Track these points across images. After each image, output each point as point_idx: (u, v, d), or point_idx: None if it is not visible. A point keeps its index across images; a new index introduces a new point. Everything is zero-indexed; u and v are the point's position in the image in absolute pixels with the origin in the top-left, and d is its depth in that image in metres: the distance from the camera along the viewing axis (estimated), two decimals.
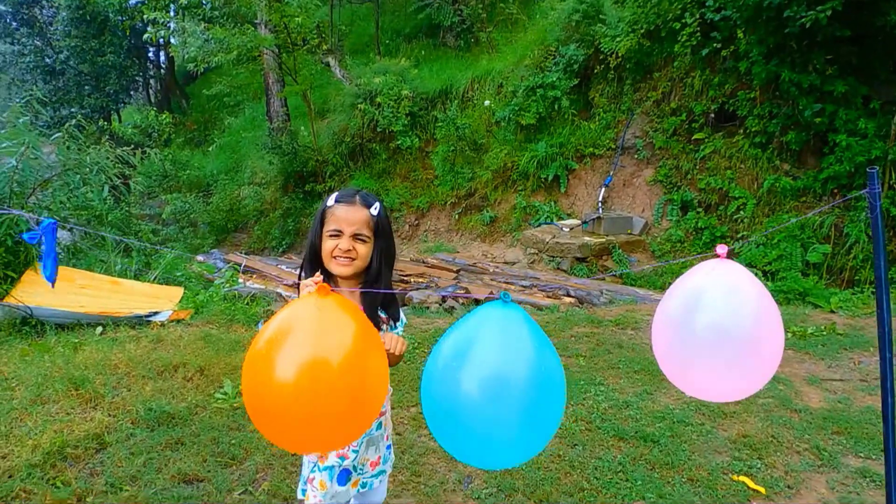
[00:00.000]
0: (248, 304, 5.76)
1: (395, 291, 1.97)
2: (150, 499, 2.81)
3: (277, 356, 1.34)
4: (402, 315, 2.07)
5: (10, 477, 2.92)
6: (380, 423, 2.04)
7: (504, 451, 1.44)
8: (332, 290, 1.43)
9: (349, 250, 1.82)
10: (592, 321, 5.49)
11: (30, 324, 5.10)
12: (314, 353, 1.35)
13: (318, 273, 1.79)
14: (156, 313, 5.55)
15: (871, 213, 1.53)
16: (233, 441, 3.34)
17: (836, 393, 4.00)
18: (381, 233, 1.87)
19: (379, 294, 1.89)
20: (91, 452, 3.17)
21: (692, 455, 3.24)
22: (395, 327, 2.01)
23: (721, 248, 1.51)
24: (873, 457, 3.20)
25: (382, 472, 2.10)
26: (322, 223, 1.86)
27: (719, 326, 1.49)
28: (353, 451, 1.97)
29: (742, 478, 3.02)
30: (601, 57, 9.92)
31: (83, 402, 3.62)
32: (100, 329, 5.04)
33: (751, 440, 3.37)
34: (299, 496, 2.05)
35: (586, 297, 6.51)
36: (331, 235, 1.83)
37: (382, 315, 1.96)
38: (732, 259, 1.60)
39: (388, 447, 2.12)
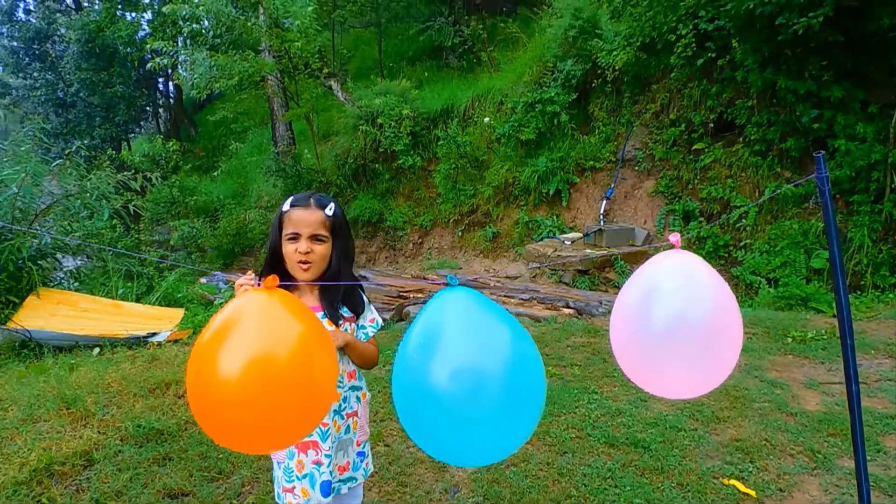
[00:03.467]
0: None
1: (343, 283, 1.93)
2: None
3: (220, 351, 1.33)
4: (375, 315, 2.08)
5: None
6: (349, 427, 2.03)
7: (481, 444, 1.38)
8: (281, 285, 1.44)
9: (308, 252, 1.85)
10: (589, 331, 5.45)
11: (29, 347, 5.16)
12: (258, 346, 1.34)
13: (250, 272, 1.79)
14: (154, 334, 5.59)
15: (821, 197, 1.52)
16: (220, 456, 3.33)
17: (833, 396, 3.93)
18: (338, 232, 1.91)
19: (338, 292, 1.90)
20: (78, 469, 3.18)
21: (683, 460, 3.19)
22: (363, 326, 2.02)
23: (674, 237, 1.49)
24: (869, 458, 3.12)
25: (352, 479, 2.07)
26: (280, 228, 1.89)
27: (677, 319, 1.45)
28: (326, 455, 1.96)
29: (732, 482, 2.96)
30: (599, 71, 9.96)
31: (73, 420, 3.64)
32: (97, 350, 5.08)
33: (743, 444, 3.31)
34: (278, 501, 2.04)
35: (585, 308, 6.47)
36: (289, 239, 1.87)
37: (345, 313, 1.96)
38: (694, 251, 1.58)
39: (360, 454, 2.09)
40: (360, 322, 2.02)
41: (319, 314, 1.90)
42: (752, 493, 2.88)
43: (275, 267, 1.88)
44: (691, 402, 3.89)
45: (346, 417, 2.00)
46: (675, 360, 1.54)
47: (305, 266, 1.86)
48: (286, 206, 1.89)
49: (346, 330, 1.95)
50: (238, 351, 1.33)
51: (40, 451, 3.25)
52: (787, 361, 4.61)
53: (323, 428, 1.94)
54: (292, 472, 1.96)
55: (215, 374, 1.32)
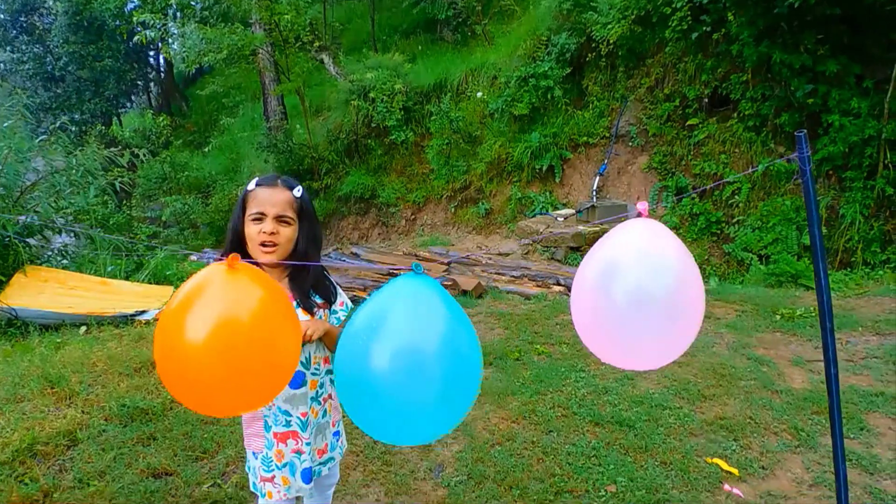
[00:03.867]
0: None
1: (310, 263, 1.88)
2: (117, 493, 2.80)
3: (186, 317, 1.32)
4: (345, 298, 2.04)
5: None
6: (325, 411, 2.01)
7: (416, 425, 1.40)
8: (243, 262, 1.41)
9: (273, 233, 1.78)
10: None
11: (15, 325, 5.12)
12: (223, 312, 1.34)
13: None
14: (142, 312, 5.56)
15: (802, 177, 1.48)
16: (205, 435, 3.32)
17: (819, 374, 3.94)
18: (305, 215, 1.84)
19: (308, 278, 1.86)
20: (61, 449, 3.17)
21: (667, 438, 3.20)
22: (335, 311, 1.98)
23: (641, 205, 1.44)
24: (851, 436, 3.14)
25: (331, 458, 2.07)
26: (244, 208, 1.82)
27: (638, 290, 1.41)
28: (307, 444, 1.94)
29: (715, 460, 2.97)
30: (593, 45, 9.83)
31: (58, 399, 3.62)
32: (83, 328, 5.04)
33: (728, 422, 3.32)
34: (253, 490, 2.02)
35: None
36: (253, 219, 1.79)
37: (318, 300, 1.93)
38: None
39: (336, 434, 2.08)
40: (333, 307, 1.98)
41: (293, 304, 1.86)
42: (735, 471, 2.89)
43: (236, 250, 1.79)
44: (678, 379, 3.90)
45: (322, 402, 1.98)
46: (636, 332, 1.50)
47: (269, 248, 1.78)
48: (251, 185, 1.82)
49: (319, 317, 1.91)
50: (204, 314, 1.33)
51: (23, 431, 3.24)
52: (774, 339, 4.61)
53: (302, 418, 1.92)
54: (271, 461, 1.94)
55: (182, 338, 1.32)
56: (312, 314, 1.89)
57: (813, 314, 5.03)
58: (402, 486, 2.90)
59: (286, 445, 1.93)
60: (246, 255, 1.79)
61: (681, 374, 4.00)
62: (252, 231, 1.79)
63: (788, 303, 5.32)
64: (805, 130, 1.59)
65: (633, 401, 3.62)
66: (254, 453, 1.97)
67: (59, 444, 3.19)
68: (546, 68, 10.06)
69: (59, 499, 2.78)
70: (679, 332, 1.45)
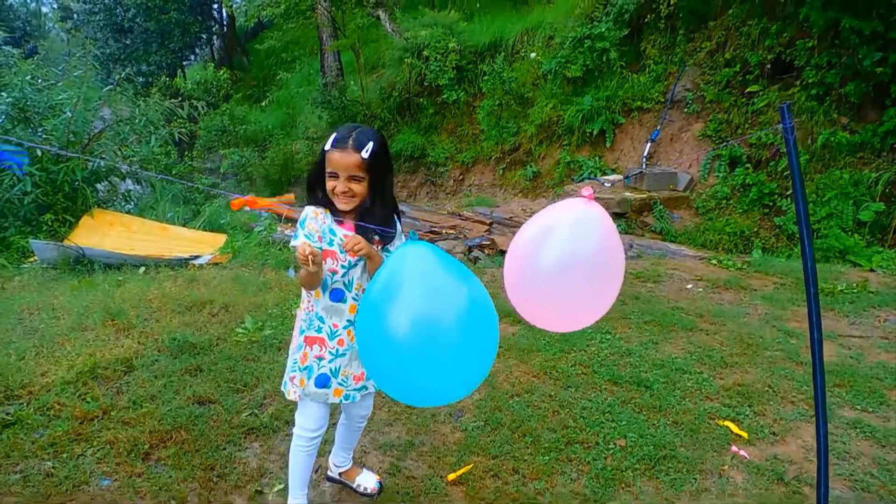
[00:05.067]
0: (280, 249, 6.03)
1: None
2: (165, 415, 3.10)
3: None
4: (400, 234, 2.21)
5: (47, 391, 3.28)
6: None
7: (434, 386, 1.56)
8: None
9: (346, 191, 2.00)
10: None
11: (82, 263, 5.53)
12: None
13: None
14: (197, 257, 5.91)
15: (787, 147, 1.52)
16: (246, 370, 3.60)
17: (850, 349, 3.92)
18: (375, 170, 2.02)
19: (374, 220, 2.05)
20: (119, 374, 3.50)
21: (682, 400, 3.28)
22: (388, 250, 2.15)
23: (586, 191, 1.54)
24: (870, 409, 3.16)
25: (364, 388, 2.27)
26: (323, 163, 2.04)
27: (561, 260, 1.53)
28: (330, 353, 2.17)
29: (727, 423, 3.05)
30: (654, 5, 9.54)
31: (117, 330, 3.97)
32: (143, 269, 5.42)
33: (746, 389, 3.37)
34: (282, 388, 2.31)
35: None
36: (330, 176, 2.02)
37: (375, 237, 2.11)
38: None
39: None
40: (386, 247, 2.16)
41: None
42: (745, 434, 2.96)
43: (322, 194, 2.06)
44: (703, 346, 3.95)
45: None
46: (558, 297, 1.63)
47: (346, 200, 2.03)
48: (328, 146, 2.02)
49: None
50: None
51: (86, 356, 3.58)
52: None
53: (333, 328, 2.15)
54: (297, 363, 2.21)
55: None
56: None
57: (855, 290, 4.94)
58: (422, 427, 3.10)
59: (311, 350, 2.18)
60: (326, 197, 2.05)
61: (707, 341, 4.04)
62: (329, 185, 2.03)
63: (831, 278, 5.23)
64: (788, 102, 1.63)
65: (653, 364, 3.70)
66: (291, 353, 2.26)
67: (118, 369, 3.52)
68: (603, 29, 9.83)
69: (115, 417, 3.09)
70: (597, 300, 1.58)
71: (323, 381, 2.19)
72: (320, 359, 2.17)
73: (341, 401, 2.25)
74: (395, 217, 2.18)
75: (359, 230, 2.05)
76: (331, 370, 2.19)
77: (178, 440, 2.92)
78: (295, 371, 2.21)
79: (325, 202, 2.06)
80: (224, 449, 2.88)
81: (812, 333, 1.72)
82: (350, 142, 1.99)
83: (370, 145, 2.00)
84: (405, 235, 1.88)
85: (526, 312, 1.68)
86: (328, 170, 2.01)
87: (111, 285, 4.82)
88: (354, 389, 2.24)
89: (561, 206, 1.60)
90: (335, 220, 2.07)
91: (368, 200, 2.05)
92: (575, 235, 1.54)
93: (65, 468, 2.70)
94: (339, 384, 2.21)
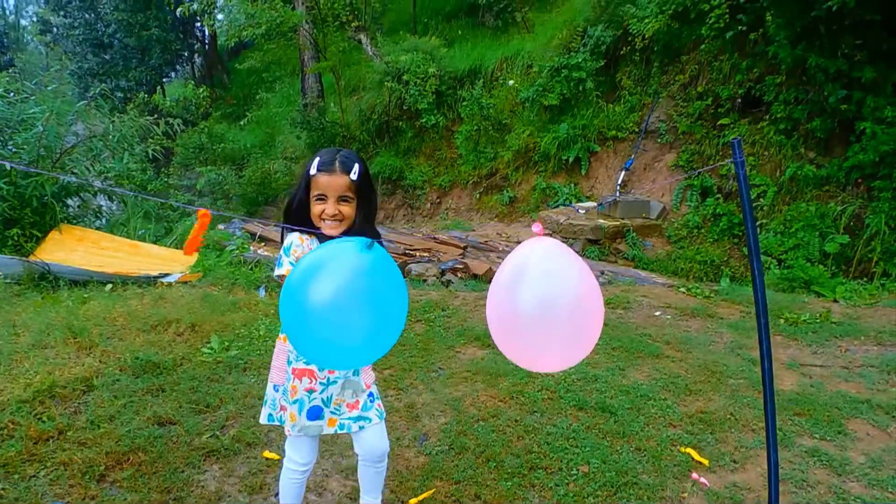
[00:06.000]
0: (251, 269, 5.99)
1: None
2: (123, 436, 3.03)
3: None
4: None
5: (1, 410, 3.19)
6: (357, 370, 2.18)
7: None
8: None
9: (335, 214, 2.01)
10: None
11: (47, 279, 5.43)
12: None
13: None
14: (166, 275, 5.83)
15: (738, 180, 1.57)
16: (210, 391, 3.54)
17: (811, 378, 3.98)
18: (362, 192, 2.04)
19: None
20: (78, 393, 3.43)
21: (646, 427, 3.30)
22: None
23: (536, 227, 1.56)
24: (828, 438, 3.20)
25: (364, 418, 2.21)
26: (307, 188, 2.04)
27: (541, 303, 1.53)
28: (321, 383, 2.13)
29: (688, 450, 3.07)
30: (629, 38, 9.77)
31: (79, 348, 3.89)
32: (109, 286, 5.33)
33: (708, 416, 3.41)
34: (263, 421, 2.24)
35: None
36: (317, 200, 2.02)
37: None
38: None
39: (371, 396, 2.23)
40: None
41: None
42: (706, 461, 2.98)
43: (302, 219, 2.04)
44: (668, 373, 3.99)
45: None
46: (541, 340, 1.62)
47: (335, 224, 2.02)
48: (313, 170, 2.01)
49: None
50: None
51: (45, 375, 3.50)
52: (774, 342, 4.63)
53: None
54: (287, 394, 2.15)
55: None
56: None
57: (818, 320, 5.04)
58: None
59: (300, 382, 2.12)
60: (308, 223, 2.04)
61: (673, 368, 4.08)
62: (317, 210, 2.02)
63: (795, 308, 5.33)
64: (739, 137, 1.68)
65: (620, 389, 3.72)
66: (275, 386, 2.19)
67: (77, 388, 3.45)
68: (580, 60, 10.05)
69: (72, 437, 3.02)
70: (582, 342, 1.59)
71: (316, 413, 2.14)
72: (311, 391, 2.12)
73: (336, 430, 2.19)
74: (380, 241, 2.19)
75: None
76: (323, 400, 2.14)
77: (136, 462, 2.86)
78: (286, 404, 2.15)
79: (307, 228, 2.03)
80: (182, 471, 2.82)
81: (763, 363, 1.76)
82: (337, 164, 2.00)
83: (356, 167, 2.02)
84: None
85: (516, 357, 1.67)
86: (315, 194, 2.00)
87: (75, 302, 4.74)
88: (349, 419, 2.18)
89: (523, 249, 1.60)
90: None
91: (356, 223, 2.04)
92: (547, 274, 1.54)
93: (15, 489, 2.62)
94: (332, 413, 2.16)
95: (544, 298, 1.51)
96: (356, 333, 1.54)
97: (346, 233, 2.02)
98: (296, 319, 1.55)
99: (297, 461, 2.23)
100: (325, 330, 1.52)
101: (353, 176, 1.99)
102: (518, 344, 1.60)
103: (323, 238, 2.02)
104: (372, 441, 2.26)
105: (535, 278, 1.52)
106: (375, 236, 2.11)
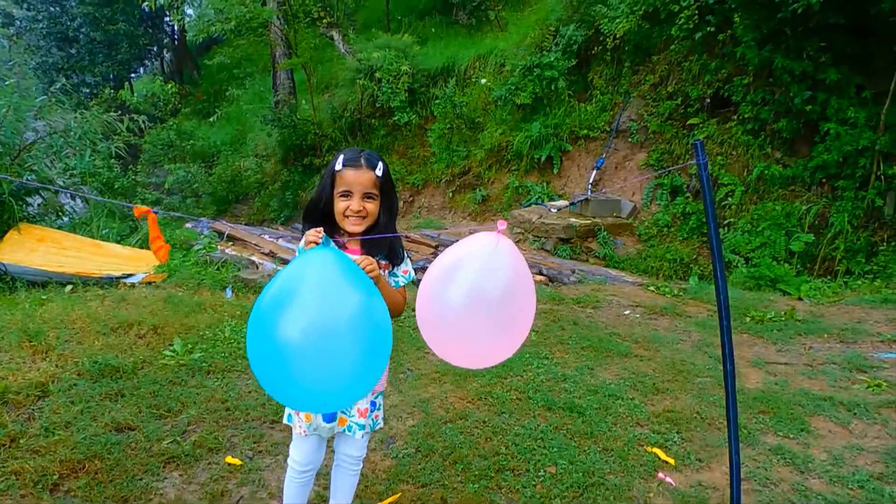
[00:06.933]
0: (218, 269, 5.88)
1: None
2: (79, 443, 2.93)
3: None
4: (410, 269, 2.18)
5: None
6: None
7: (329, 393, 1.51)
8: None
9: (360, 210, 1.97)
10: (555, 298, 5.54)
11: (4, 280, 5.26)
12: None
13: (319, 230, 1.91)
14: (129, 276, 5.69)
15: (700, 181, 1.56)
16: (171, 395, 3.45)
17: (776, 375, 4.03)
18: (386, 190, 2.02)
19: (381, 245, 2.01)
20: (32, 399, 3.31)
21: (613, 427, 3.31)
22: (396, 274, 2.12)
23: (501, 224, 1.54)
24: (791, 436, 3.24)
25: (363, 426, 2.18)
26: (332, 184, 2.00)
27: (472, 296, 1.51)
28: None
29: (654, 449, 3.08)
30: (600, 38, 9.82)
31: (34, 352, 3.76)
32: (69, 287, 5.18)
33: (675, 415, 3.42)
34: (285, 422, 2.22)
35: (557, 276, 6.55)
36: (342, 196, 1.98)
37: (383, 261, 2.07)
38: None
39: (374, 404, 2.21)
40: (393, 270, 2.12)
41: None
42: (672, 461, 2.99)
43: (325, 217, 2.01)
44: (636, 372, 4.00)
45: None
46: (469, 333, 1.61)
47: (358, 221, 1.98)
48: (338, 166, 1.99)
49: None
50: None
51: None
52: (740, 340, 4.70)
53: None
54: None
55: None
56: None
57: (783, 318, 5.11)
58: None
59: None
60: (332, 221, 2.01)
61: (641, 367, 4.10)
62: (341, 206, 1.98)
63: (761, 306, 5.40)
64: (701, 139, 1.67)
65: (588, 389, 3.72)
66: None
67: (31, 394, 3.33)
68: (552, 59, 10.07)
69: (24, 445, 2.91)
70: (510, 337, 1.57)
71: (332, 415, 2.13)
72: None
73: (344, 431, 2.17)
74: (401, 242, 2.16)
75: (366, 252, 1.99)
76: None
77: (92, 470, 2.76)
78: None
79: (328, 225, 1.99)
80: (140, 479, 2.74)
81: (725, 365, 1.75)
82: (362, 160, 2.00)
83: (381, 164, 2.02)
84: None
85: (439, 350, 1.65)
86: (340, 189, 1.99)
87: (32, 304, 4.59)
88: (357, 424, 2.16)
89: (470, 240, 1.58)
90: (337, 245, 2.00)
91: (380, 221, 2.03)
92: (484, 270, 1.52)
93: None
94: (343, 413, 2.16)
95: (470, 292, 1.50)
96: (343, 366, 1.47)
97: (369, 231, 2.01)
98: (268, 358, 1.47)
99: (298, 461, 2.22)
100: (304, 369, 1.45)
101: (379, 172, 1.99)
102: (445, 337, 1.58)
103: (335, 230, 2.01)
104: (352, 445, 2.26)
105: (468, 273, 1.51)
106: (396, 237, 2.12)
